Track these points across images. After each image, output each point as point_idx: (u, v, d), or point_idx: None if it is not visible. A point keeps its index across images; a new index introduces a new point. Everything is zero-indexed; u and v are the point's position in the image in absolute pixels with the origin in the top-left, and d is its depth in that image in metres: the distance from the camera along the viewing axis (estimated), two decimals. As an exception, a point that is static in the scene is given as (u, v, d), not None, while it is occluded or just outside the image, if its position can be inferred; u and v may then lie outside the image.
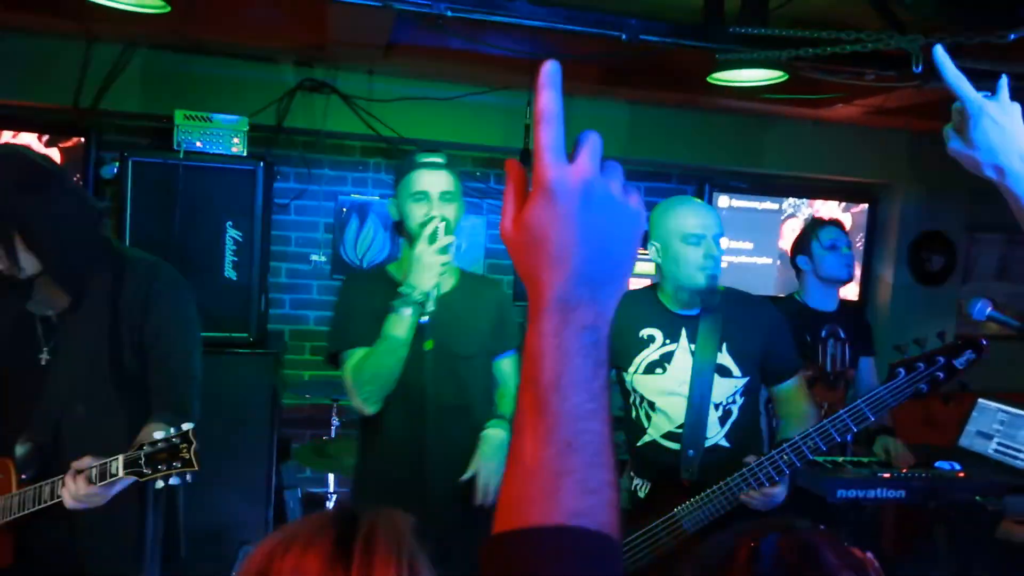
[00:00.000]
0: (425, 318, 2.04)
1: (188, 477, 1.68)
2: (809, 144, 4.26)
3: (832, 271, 3.04)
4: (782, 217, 4.42)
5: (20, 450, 1.83)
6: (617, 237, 0.66)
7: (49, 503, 1.76)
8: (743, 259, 4.35)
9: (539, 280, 0.65)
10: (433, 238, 2.02)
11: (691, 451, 2.20)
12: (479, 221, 4.16)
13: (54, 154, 3.47)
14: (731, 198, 4.34)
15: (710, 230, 2.21)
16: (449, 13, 2.33)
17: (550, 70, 0.68)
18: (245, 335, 3.28)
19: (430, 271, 2.01)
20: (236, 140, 3.30)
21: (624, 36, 2.49)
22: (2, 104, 3.46)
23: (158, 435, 1.67)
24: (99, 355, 1.86)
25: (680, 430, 2.22)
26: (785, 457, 2.01)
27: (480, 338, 2.22)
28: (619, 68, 3.49)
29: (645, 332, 2.27)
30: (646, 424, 2.28)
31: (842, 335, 3.06)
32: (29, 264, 1.81)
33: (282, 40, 3.33)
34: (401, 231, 2.22)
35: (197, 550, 3.18)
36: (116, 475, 1.67)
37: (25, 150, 1.91)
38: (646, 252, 2.25)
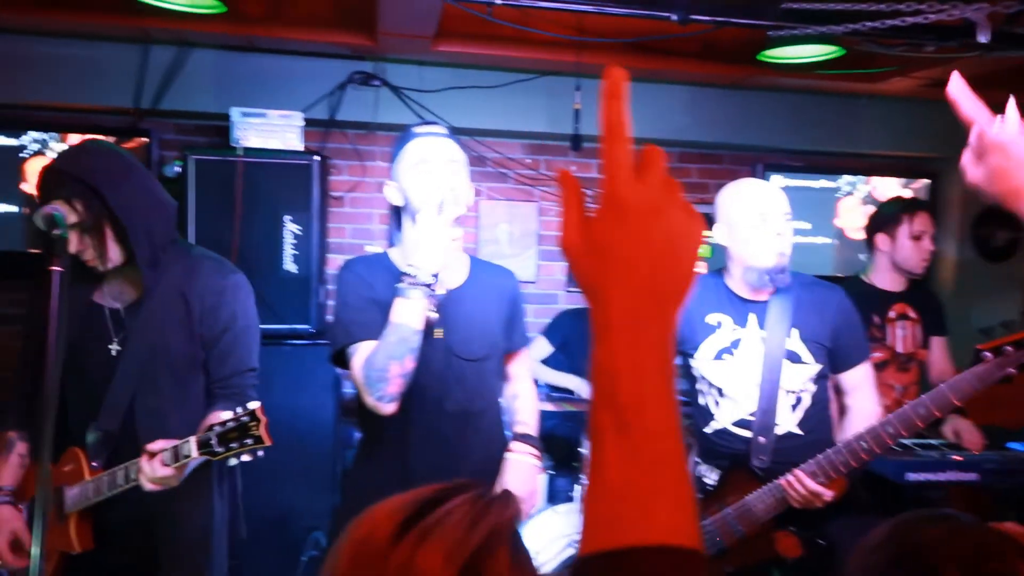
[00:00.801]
0: (435, 314, 1.88)
1: (260, 452, 1.74)
2: (865, 119, 4.15)
3: (911, 263, 2.95)
4: (839, 195, 4.33)
5: (91, 438, 1.89)
6: (685, 250, 0.67)
7: (124, 487, 1.83)
8: (800, 239, 4.27)
9: (608, 296, 0.65)
10: (438, 211, 1.81)
11: (762, 437, 2.17)
12: (531, 208, 4.17)
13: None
14: (786, 177, 4.26)
15: (780, 210, 2.19)
16: (498, 1, 2.34)
17: (617, 78, 0.68)
18: (306, 326, 3.36)
19: (436, 247, 1.79)
20: (291, 135, 3.36)
21: (674, 17, 2.47)
22: (69, 108, 3.59)
23: (226, 415, 1.73)
24: (166, 347, 1.93)
25: (751, 417, 2.20)
26: (864, 444, 1.98)
27: (492, 338, 2.03)
28: (668, 49, 3.45)
29: (713, 318, 2.25)
30: (714, 411, 2.26)
31: (912, 315, 2.98)
32: (115, 255, 1.89)
33: (333, 35, 3.37)
34: (401, 215, 2.03)
35: (265, 536, 3.30)
36: (189, 456, 1.74)
37: (111, 144, 1.99)
38: (710, 235, 2.23)
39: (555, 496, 3.38)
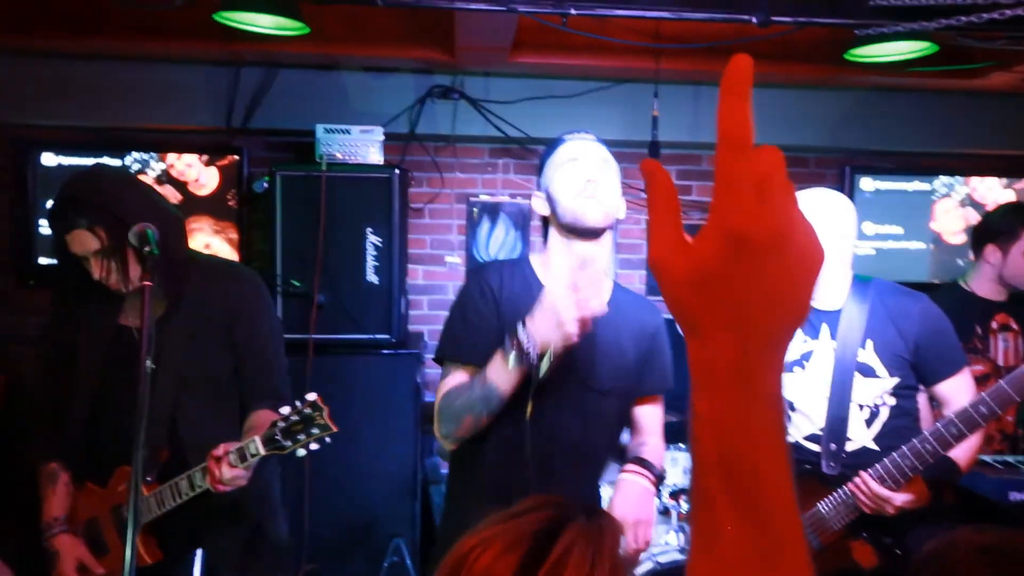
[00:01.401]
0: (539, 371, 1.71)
1: (327, 439, 1.76)
2: (961, 117, 3.95)
3: (1020, 279, 2.79)
4: (934, 198, 4.13)
5: (143, 454, 1.89)
6: (805, 285, 0.55)
7: (191, 495, 1.88)
8: (892, 244, 4.09)
9: (715, 339, 0.55)
10: (573, 287, 1.64)
11: (833, 444, 2.10)
12: (608, 216, 4.14)
13: (212, 173, 3.75)
14: (876, 180, 4.09)
15: (831, 222, 2.09)
16: (573, 12, 2.34)
17: (743, 69, 0.55)
18: (388, 336, 3.43)
19: (559, 326, 1.62)
20: (372, 149, 3.45)
21: (754, 20, 2.42)
22: (166, 129, 3.78)
23: (285, 410, 1.76)
24: (199, 357, 1.97)
25: (823, 432, 2.13)
26: (928, 447, 1.90)
27: (623, 373, 1.87)
28: (747, 52, 3.37)
29: None
30: (787, 424, 2.19)
31: (1015, 326, 2.81)
32: (136, 276, 1.90)
33: (412, 50, 3.44)
34: (549, 226, 1.91)
35: (347, 542, 3.37)
36: (257, 453, 1.77)
37: (116, 167, 2.04)
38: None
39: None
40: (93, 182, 1.90)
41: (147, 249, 1.74)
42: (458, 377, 1.81)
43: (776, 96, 3.86)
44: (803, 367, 2.15)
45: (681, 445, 3.19)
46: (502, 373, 1.69)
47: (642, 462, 1.86)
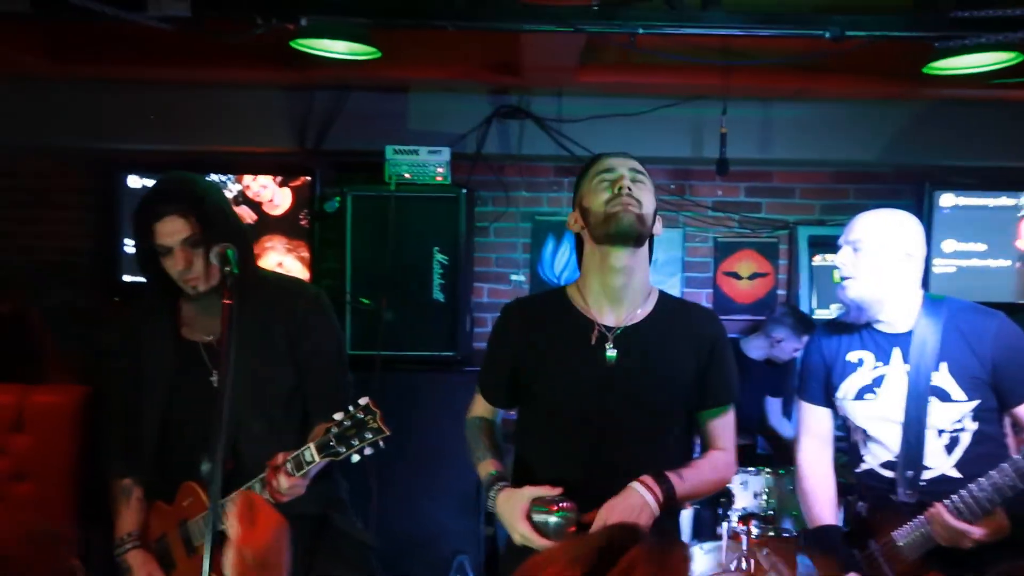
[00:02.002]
0: None
1: (381, 444, 1.73)
2: (1051, 129, 3.77)
3: None
4: (1020, 214, 3.94)
5: (206, 468, 1.87)
6: None
7: None
8: (975, 262, 3.92)
9: None
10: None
11: (910, 471, 2.01)
12: (675, 234, 4.10)
13: (286, 193, 3.87)
14: (957, 196, 3.93)
15: (866, 240, 2.04)
16: (641, 31, 2.34)
17: None
18: (453, 353, 3.46)
19: (514, 536, 1.71)
20: (440, 170, 3.50)
21: (827, 34, 2.37)
22: (242, 152, 3.92)
23: (338, 416, 1.74)
24: (263, 372, 1.98)
25: (897, 459, 2.04)
26: (1008, 480, 1.81)
27: (683, 390, 1.80)
28: (820, 66, 3.30)
29: (853, 355, 2.10)
30: (863, 451, 2.12)
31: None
32: (214, 278, 1.92)
33: (479, 72, 3.49)
34: (582, 245, 1.86)
35: (411, 558, 3.39)
36: (312, 461, 1.76)
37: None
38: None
39: (700, 532, 3.26)
40: (187, 179, 1.97)
41: (227, 268, 1.79)
42: (479, 407, 1.97)
43: (851, 111, 3.77)
44: (875, 393, 2.07)
45: (751, 468, 3.11)
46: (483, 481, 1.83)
47: (658, 477, 1.72)
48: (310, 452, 1.78)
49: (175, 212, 1.87)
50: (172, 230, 1.87)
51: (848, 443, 2.18)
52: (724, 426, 1.87)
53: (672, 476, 1.73)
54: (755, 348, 3.81)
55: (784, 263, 4.11)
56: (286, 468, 1.79)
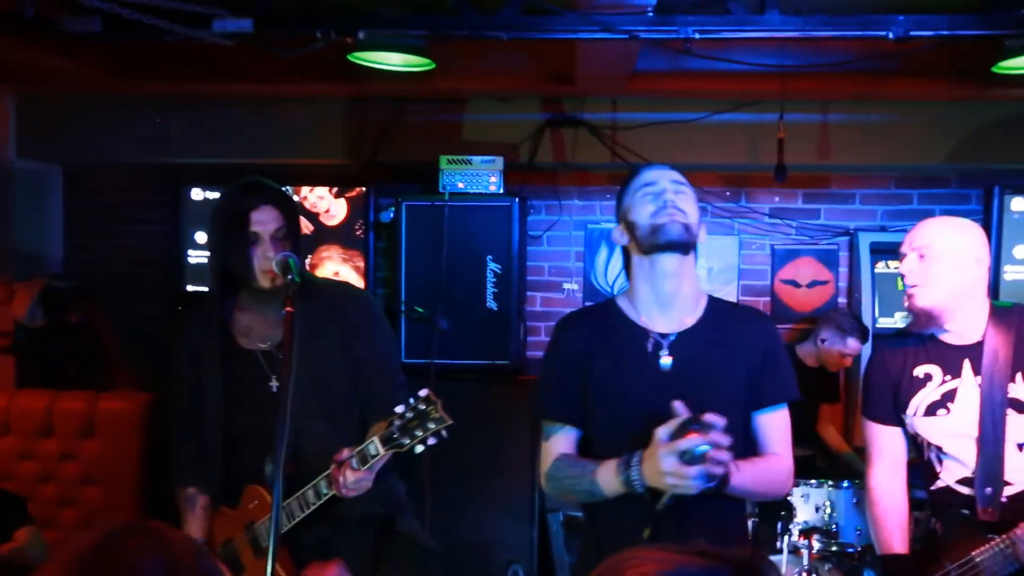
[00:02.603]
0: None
1: (444, 433, 1.75)
2: None
3: None
4: (1096, 217, 3.78)
5: (269, 469, 1.89)
6: None
7: (317, 504, 1.92)
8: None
9: None
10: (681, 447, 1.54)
11: (989, 488, 1.93)
12: (731, 241, 4.03)
13: (341, 204, 3.93)
14: (1028, 200, 3.79)
15: (930, 249, 1.97)
16: (697, 35, 2.32)
17: None
18: (507, 362, 3.46)
19: (668, 481, 1.57)
20: (493, 179, 3.52)
21: (890, 35, 2.31)
22: (298, 164, 4.00)
23: (399, 409, 1.77)
24: (322, 375, 2.01)
25: (974, 476, 1.96)
26: None
27: (737, 392, 1.77)
28: (881, 68, 3.22)
29: (921, 370, 2.03)
30: (938, 468, 2.04)
31: None
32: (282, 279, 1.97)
33: (532, 81, 3.50)
34: (630, 256, 1.85)
35: (465, 566, 3.40)
36: (377, 454, 1.79)
37: None
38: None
39: (760, 545, 3.19)
40: (264, 182, 2.07)
41: (289, 277, 1.82)
42: (562, 440, 1.79)
43: (913, 113, 3.66)
44: (947, 409, 1.99)
45: (812, 481, 3.03)
46: (612, 484, 1.67)
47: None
48: (374, 445, 1.80)
49: (270, 203, 1.97)
50: (266, 219, 1.95)
51: (921, 461, 2.10)
52: (777, 427, 1.81)
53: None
54: (807, 354, 3.73)
55: (845, 270, 4.01)
56: (351, 463, 1.82)
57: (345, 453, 1.84)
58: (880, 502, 2.10)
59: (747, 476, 1.69)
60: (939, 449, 2.03)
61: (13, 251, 3.99)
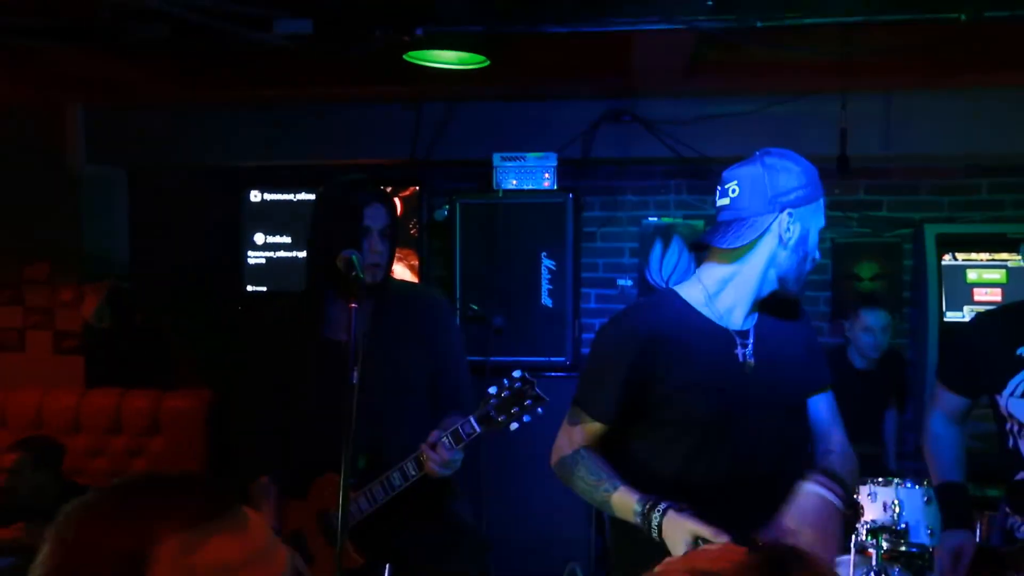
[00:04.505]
0: None
1: (540, 411, 1.82)
2: None
3: None
4: None
5: (362, 463, 1.98)
6: None
7: (404, 485, 1.97)
8: None
9: None
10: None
11: None
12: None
13: (396, 203, 3.96)
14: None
15: None
16: (759, 24, 2.27)
17: None
18: (562, 359, 3.45)
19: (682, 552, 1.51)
20: (547, 175, 3.51)
21: (963, 17, 2.22)
22: (353, 164, 4.04)
23: (492, 390, 1.85)
24: (403, 370, 2.09)
25: None
26: None
27: (804, 382, 1.77)
28: (950, 55, 3.12)
29: None
30: None
31: None
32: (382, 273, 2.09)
33: (588, 76, 3.48)
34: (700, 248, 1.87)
35: (523, 564, 3.39)
36: (473, 432, 1.86)
37: None
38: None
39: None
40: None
41: (353, 274, 1.86)
42: (590, 433, 1.71)
43: (982, 99, 3.54)
44: None
45: (879, 479, 2.95)
46: (625, 514, 1.62)
47: (830, 473, 1.63)
48: (470, 424, 1.88)
49: (380, 201, 2.08)
50: (377, 215, 2.06)
51: (1002, 450, 2.03)
52: (833, 407, 1.80)
53: (835, 470, 1.65)
54: (853, 356, 3.62)
55: (910, 263, 3.89)
56: (444, 443, 1.89)
57: (435, 435, 1.91)
58: (938, 439, 2.15)
59: (847, 478, 1.68)
60: None
61: (82, 254, 4.13)
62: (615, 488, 1.63)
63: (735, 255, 1.65)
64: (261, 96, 3.85)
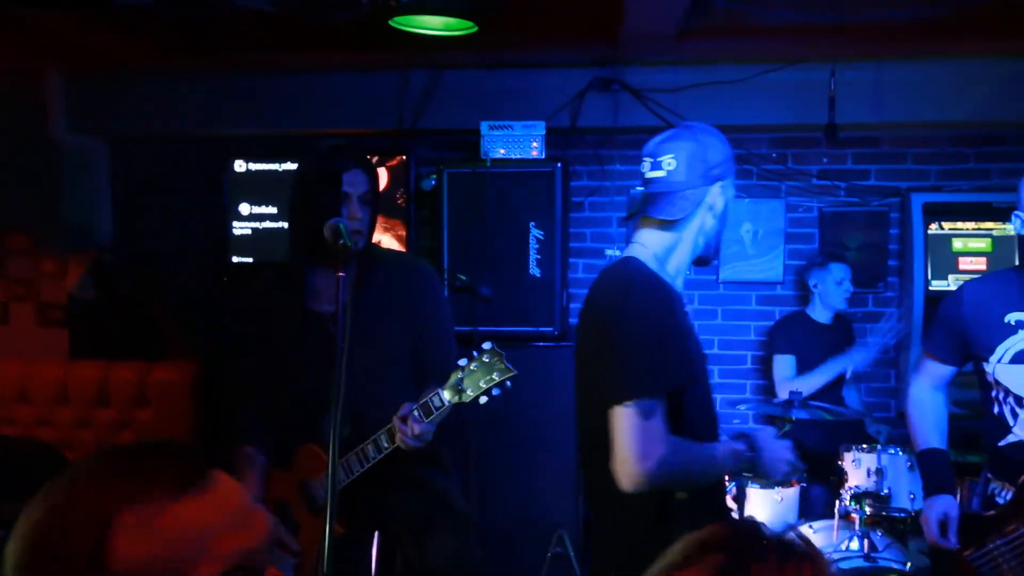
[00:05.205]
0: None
1: (508, 384, 1.81)
2: None
3: None
4: None
5: (347, 432, 1.94)
6: None
7: (377, 458, 1.98)
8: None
9: None
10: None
11: None
12: (777, 204, 3.95)
13: (382, 173, 3.93)
14: (1092, 156, 3.65)
15: None
16: (748, -12, 2.24)
17: None
18: (551, 328, 3.45)
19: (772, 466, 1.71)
20: (535, 144, 3.48)
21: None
22: (338, 133, 4.00)
23: (463, 362, 1.82)
24: (386, 340, 2.09)
25: None
26: None
27: None
28: (941, 21, 3.10)
29: (1013, 317, 1.99)
30: (1011, 422, 2.00)
31: None
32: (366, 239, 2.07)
33: (576, 43, 3.44)
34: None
35: (512, 531, 3.42)
36: (442, 405, 1.85)
37: None
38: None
39: (809, 512, 3.16)
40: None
41: (341, 242, 1.84)
42: (660, 420, 1.57)
43: (970, 68, 3.53)
44: None
45: (864, 446, 2.99)
46: (728, 460, 1.68)
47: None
48: (439, 397, 1.86)
49: (359, 167, 2.07)
50: (356, 181, 2.05)
51: (988, 416, 2.06)
52: None
53: None
54: (818, 311, 3.67)
55: (896, 232, 3.91)
56: (415, 415, 1.88)
57: (407, 407, 1.90)
58: (920, 404, 2.20)
59: None
60: (1018, 400, 1.99)
61: (64, 225, 4.08)
62: (715, 449, 1.68)
63: (673, 224, 1.73)
64: (245, 64, 3.78)
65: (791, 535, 0.79)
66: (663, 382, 1.59)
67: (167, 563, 0.72)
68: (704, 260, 1.82)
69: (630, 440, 1.53)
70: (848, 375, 3.58)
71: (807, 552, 0.77)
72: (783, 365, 3.59)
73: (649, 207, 1.72)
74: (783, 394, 3.42)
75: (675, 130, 1.76)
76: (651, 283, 1.67)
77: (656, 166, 1.72)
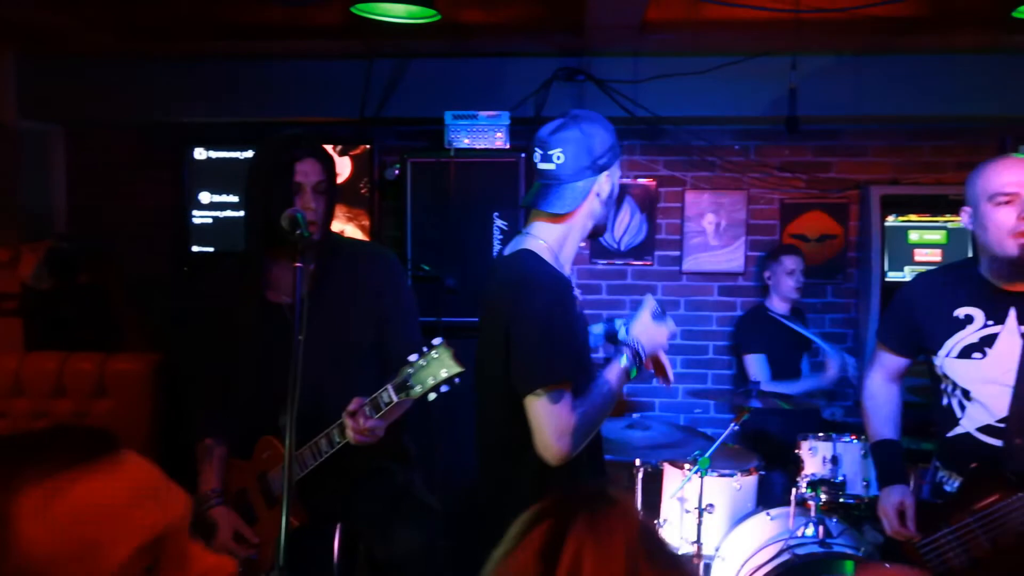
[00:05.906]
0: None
1: (457, 380, 1.80)
2: None
3: None
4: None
5: (284, 421, 1.90)
6: None
7: (329, 452, 1.96)
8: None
9: None
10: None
11: (1018, 440, 1.92)
12: (739, 196, 3.99)
13: (345, 163, 3.89)
14: (1042, 150, 3.74)
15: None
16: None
17: None
18: (514, 319, 3.45)
19: (655, 341, 1.84)
20: (499, 134, 3.47)
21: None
22: (301, 122, 3.95)
23: (412, 358, 1.80)
24: (345, 330, 2.06)
25: (1001, 424, 1.95)
26: None
27: None
28: (896, 17, 3.15)
29: (961, 312, 2.02)
30: (959, 414, 2.03)
31: None
32: (324, 230, 2.05)
33: (541, 34, 3.43)
34: None
35: (474, 519, 3.43)
36: (391, 401, 1.83)
37: None
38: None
39: (767, 499, 3.22)
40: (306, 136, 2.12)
41: (298, 232, 1.83)
42: (569, 396, 1.72)
43: (928, 65, 3.59)
44: (984, 353, 1.98)
45: (820, 434, 3.05)
46: (621, 377, 1.79)
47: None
48: (388, 393, 1.84)
49: (314, 156, 2.03)
50: (309, 170, 2.01)
51: (936, 408, 2.10)
52: None
53: None
54: (775, 303, 3.73)
55: (854, 224, 3.98)
56: (364, 411, 1.86)
57: (355, 403, 1.87)
58: (875, 396, 2.24)
59: None
60: (965, 394, 2.02)
61: (18, 212, 3.98)
62: (604, 379, 1.79)
63: (564, 217, 1.79)
64: (205, 50, 3.72)
65: (606, 489, 0.83)
66: (567, 369, 1.71)
67: (77, 540, 0.71)
68: (595, 235, 1.91)
69: (547, 424, 1.68)
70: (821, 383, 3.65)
71: (617, 500, 0.80)
72: (756, 365, 3.63)
73: (540, 200, 1.78)
74: None
75: (562, 120, 1.79)
76: (550, 280, 1.75)
77: (546, 158, 1.77)
